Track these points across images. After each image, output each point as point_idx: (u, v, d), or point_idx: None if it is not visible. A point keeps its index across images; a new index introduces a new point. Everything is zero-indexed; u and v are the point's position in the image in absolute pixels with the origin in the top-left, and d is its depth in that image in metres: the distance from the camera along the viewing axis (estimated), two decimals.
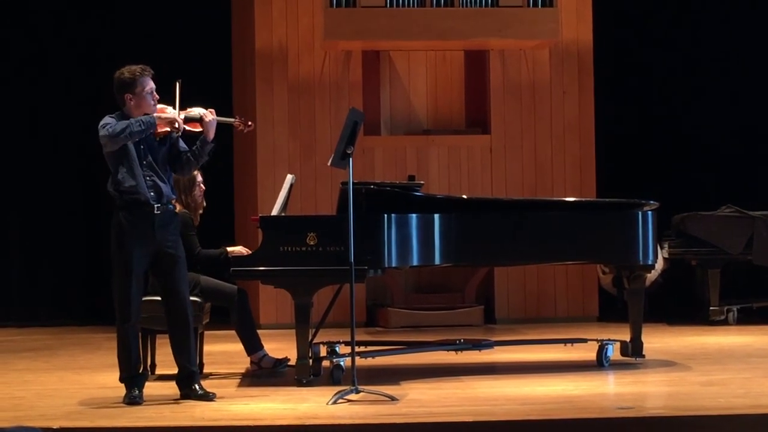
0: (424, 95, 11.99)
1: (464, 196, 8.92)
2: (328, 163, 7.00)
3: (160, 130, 6.68)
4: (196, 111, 6.82)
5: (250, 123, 7.25)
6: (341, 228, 7.02)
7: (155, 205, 6.66)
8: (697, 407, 6.29)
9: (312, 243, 7.24)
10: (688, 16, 12.79)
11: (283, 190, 7.87)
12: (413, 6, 11.05)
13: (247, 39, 11.70)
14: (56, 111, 12.17)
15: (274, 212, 7.72)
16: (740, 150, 12.65)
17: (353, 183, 6.91)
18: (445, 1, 11.08)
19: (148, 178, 6.67)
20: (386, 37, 11.14)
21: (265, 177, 11.30)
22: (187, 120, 6.78)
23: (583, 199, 9.95)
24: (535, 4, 11.12)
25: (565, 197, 10.75)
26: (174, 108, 6.79)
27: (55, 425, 5.88)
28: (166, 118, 6.67)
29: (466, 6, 11.08)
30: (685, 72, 12.77)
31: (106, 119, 6.67)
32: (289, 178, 7.96)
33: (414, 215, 7.53)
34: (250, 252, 7.74)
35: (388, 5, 11.01)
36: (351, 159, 6.87)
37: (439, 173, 11.58)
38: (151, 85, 6.72)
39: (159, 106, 6.79)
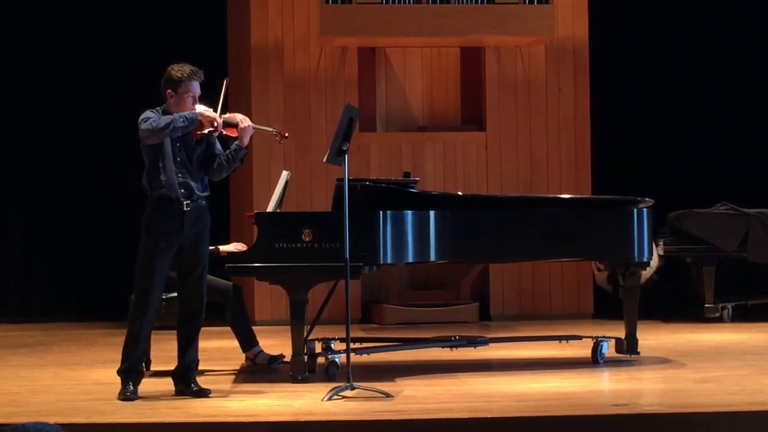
0: (419, 92, 11.97)
1: (459, 193, 8.91)
2: (324, 160, 6.99)
3: (199, 132, 6.71)
4: (233, 116, 6.86)
5: (286, 134, 7.22)
6: (336, 224, 7.01)
7: (185, 202, 6.69)
8: (691, 404, 6.30)
9: (307, 239, 7.23)
10: (684, 12, 12.78)
11: (278, 186, 7.86)
12: (409, 2, 11.04)
13: (243, 35, 11.68)
14: (52, 110, 12.13)
15: (270, 209, 7.71)
16: (736, 147, 12.65)
17: (348, 179, 6.90)
18: None
19: (180, 175, 6.70)
20: (382, 33, 11.13)
21: (261, 173, 11.29)
22: (225, 125, 6.82)
23: (579, 197, 9.95)
24: (531, 1, 11.10)
25: (561, 194, 10.75)
26: (216, 109, 6.82)
27: (50, 421, 5.85)
28: (207, 117, 6.70)
29: (462, 3, 11.07)
30: (680, 70, 12.78)
31: (148, 113, 6.71)
32: (285, 174, 7.96)
33: (409, 212, 7.52)
34: (245, 248, 7.75)
35: (383, 2, 11.00)
36: (346, 155, 6.86)
37: (434, 170, 11.57)
38: (195, 90, 6.77)
39: (198, 107, 6.80)
